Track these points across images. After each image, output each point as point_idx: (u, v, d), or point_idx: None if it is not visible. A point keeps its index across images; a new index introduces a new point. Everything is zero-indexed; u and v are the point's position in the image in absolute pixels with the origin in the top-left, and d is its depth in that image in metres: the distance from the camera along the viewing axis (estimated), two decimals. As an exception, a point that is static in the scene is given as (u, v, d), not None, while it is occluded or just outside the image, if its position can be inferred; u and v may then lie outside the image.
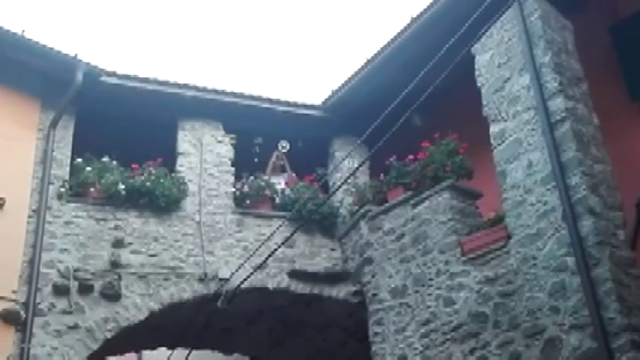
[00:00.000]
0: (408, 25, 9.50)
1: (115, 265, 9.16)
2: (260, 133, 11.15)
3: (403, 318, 8.71)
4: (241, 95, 10.88)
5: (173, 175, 10.08)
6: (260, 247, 9.30)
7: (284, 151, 11.23)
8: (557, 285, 6.98)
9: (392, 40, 9.79)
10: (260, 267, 9.17)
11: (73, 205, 9.38)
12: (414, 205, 9.04)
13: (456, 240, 8.35)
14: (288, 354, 11.56)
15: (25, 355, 8.17)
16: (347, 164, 10.48)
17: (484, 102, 8.38)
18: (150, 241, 9.51)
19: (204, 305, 9.50)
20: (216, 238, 9.88)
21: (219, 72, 29.79)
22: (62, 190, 9.38)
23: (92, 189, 9.58)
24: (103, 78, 9.99)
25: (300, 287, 9.98)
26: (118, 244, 9.31)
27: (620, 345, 6.31)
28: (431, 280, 8.49)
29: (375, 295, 9.29)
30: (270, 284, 9.81)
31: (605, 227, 6.92)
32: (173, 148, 10.49)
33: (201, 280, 9.50)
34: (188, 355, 10.73)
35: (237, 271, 9.43)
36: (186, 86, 10.59)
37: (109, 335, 8.80)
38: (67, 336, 8.57)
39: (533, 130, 7.65)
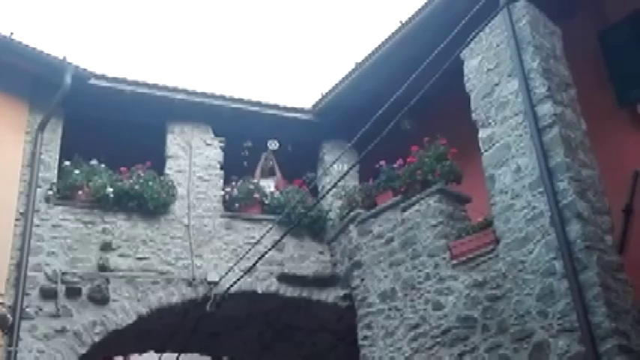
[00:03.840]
0: (398, 29, 9.53)
1: (103, 268, 9.11)
2: (249, 136, 11.13)
3: (392, 322, 8.72)
4: (231, 99, 10.87)
5: (162, 178, 10.05)
6: (249, 250, 9.31)
7: (273, 149, 11.19)
8: (545, 289, 7.01)
9: (381, 44, 9.82)
10: (249, 271, 9.16)
11: (60, 208, 9.33)
12: (404, 209, 9.06)
13: (444, 244, 8.38)
14: (277, 358, 11.54)
15: (12, 359, 8.11)
16: (336, 168, 10.47)
17: (473, 107, 8.40)
18: (138, 245, 9.47)
19: (192, 309, 9.47)
20: (205, 242, 9.85)
21: (209, 75, 29.78)
22: (50, 193, 9.33)
23: (80, 192, 9.53)
24: (92, 81, 9.95)
25: (289, 291, 9.96)
26: (106, 247, 9.27)
27: (607, 349, 6.33)
28: (420, 283, 8.51)
29: (364, 298, 9.29)
30: (259, 288, 9.79)
31: (592, 232, 6.96)
32: (162, 151, 10.46)
33: (189, 283, 9.47)
34: (176, 359, 10.71)
35: (226, 274, 9.43)
36: (175, 89, 10.57)
37: (96, 339, 8.75)
38: (55, 340, 8.52)
39: (521, 135, 7.68)
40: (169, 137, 10.52)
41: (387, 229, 9.22)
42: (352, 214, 9.81)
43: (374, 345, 8.90)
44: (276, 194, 10.62)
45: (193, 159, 10.43)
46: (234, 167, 10.77)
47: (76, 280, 8.92)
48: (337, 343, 10.93)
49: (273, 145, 11.18)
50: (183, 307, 9.45)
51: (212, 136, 10.72)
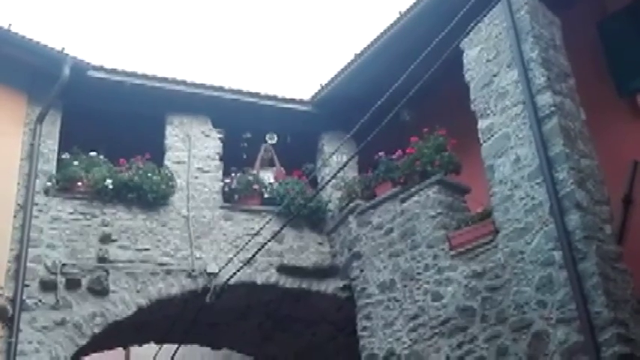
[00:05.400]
0: (397, 20, 9.51)
1: (102, 260, 9.11)
2: (248, 128, 11.12)
3: (391, 312, 8.74)
4: (230, 90, 10.85)
5: (161, 170, 10.04)
6: (249, 242, 9.31)
7: (272, 142, 11.21)
8: (544, 279, 7.02)
9: (381, 35, 9.79)
10: (248, 262, 9.17)
11: (60, 200, 9.31)
12: (403, 200, 9.06)
13: (444, 234, 8.38)
14: (277, 349, 11.57)
15: (12, 351, 8.12)
16: (335, 159, 10.47)
17: (472, 97, 8.40)
18: (138, 237, 9.47)
19: (192, 300, 9.48)
20: (205, 233, 9.85)
21: (208, 66, 29.72)
22: (49, 185, 9.32)
23: (79, 184, 9.52)
24: (90, 72, 9.93)
25: (288, 282, 9.97)
26: (106, 239, 9.27)
27: (606, 339, 6.35)
28: (419, 274, 8.52)
29: (363, 289, 9.31)
30: (259, 279, 9.80)
31: (592, 222, 6.96)
32: (161, 142, 10.44)
33: (189, 275, 9.48)
34: (176, 350, 10.73)
35: (225, 266, 9.44)
36: (174, 81, 10.54)
37: (96, 331, 8.76)
38: (55, 331, 8.53)
39: (521, 125, 7.68)
40: (168, 129, 10.51)
41: (387, 220, 9.23)
42: (351, 205, 9.82)
43: (373, 336, 8.92)
44: (276, 185, 10.62)
45: (192, 150, 10.43)
46: (233, 159, 10.77)
47: (75, 271, 8.92)
48: (337, 333, 10.95)
49: (272, 138, 11.17)
50: (182, 299, 9.45)
51: (211, 127, 10.71)
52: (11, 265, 8.63)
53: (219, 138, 10.69)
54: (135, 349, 13.65)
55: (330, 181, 9.38)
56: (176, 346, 10.69)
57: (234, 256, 9.38)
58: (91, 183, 9.53)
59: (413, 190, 8.96)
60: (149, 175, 9.78)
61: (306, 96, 11.25)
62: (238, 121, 10.96)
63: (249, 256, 9.02)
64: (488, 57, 8.29)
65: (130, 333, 9.92)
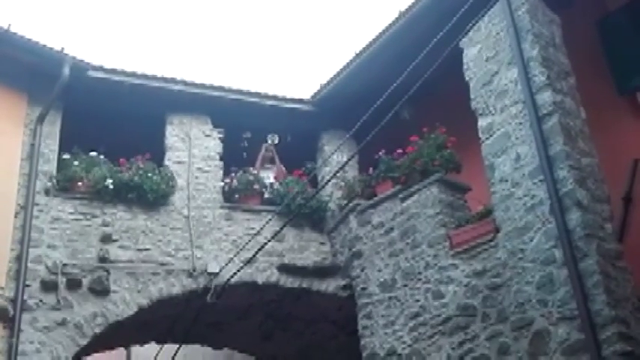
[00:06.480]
0: (397, 19, 9.51)
1: (103, 260, 9.11)
2: (249, 127, 11.13)
3: (392, 311, 8.74)
4: (230, 89, 10.85)
5: (161, 169, 10.04)
6: (249, 241, 9.32)
7: (273, 142, 11.20)
8: (544, 278, 7.03)
9: (380, 34, 9.79)
10: (249, 261, 9.17)
11: (60, 200, 9.31)
12: (403, 199, 9.06)
13: (444, 233, 8.38)
14: (278, 348, 11.57)
15: (13, 351, 8.12)
16: (336, 158, 10.48)
17: (472, 96, 8.40)
18: (138, 236, 9.47)
19: (193, 300, 9.49)
20: (205, 233, 9.85)
21: (208, 66, 29.71)
22: (49, 185, 9.32)
23: (80, 184, 9.53)
24: (90, 72, 9.93)
25: (289, 281, 9.97)
26: (106, 239, 9.27)
27: (607, 337, 6.36)
28: (420, 273, 8.52)
29: (364, 288, 9.31)
30: (260, 278, 9.80)
31: (592, 220, 6.97)
32: (161, 142, 10.45)
33: (190, 274, 9.48)
34: (177, 350, 10.73)
35: (226, 265, 9.44)
36: (174, 80, 10.54)
37: (97, 331, 8.76)
38: (56, 332, 8.53)
39: (521, 123, 7.68)
40: (168, 128, 10.51)
41: (387, 219, 9.23)
42: (352, 204, 9.82)
43: (374, 334, 8.92)
44: (276, 185, 10.62)
45: (193, 150, 10.43)
46: (233, 158, 10.77)
47: (76, 271, 8.92)
48: (337, 332, 10.95)
49: (273, 138, 11.17)
50: (183, 298, 9.46)
51: (211, 127, 10.70)
52: (12, 265, 8.62)
53: (220, 137, 10.69)
54: (136, 349, 13.65)
55: (330, 180, 9.37)
56: (177, 345, 10.69)
57: (235, 255, 9.38)
58: (92, 183, 9.54)
59: (413, 189, 8.96)
60: (149, 175, 9.78)
61: (307, 95, 11.26)
62: (238, 120, 10.96)
63: (250, 255, 9.02)
64: (487, 56, 8.29)
65: (131, 333, 9.92)
